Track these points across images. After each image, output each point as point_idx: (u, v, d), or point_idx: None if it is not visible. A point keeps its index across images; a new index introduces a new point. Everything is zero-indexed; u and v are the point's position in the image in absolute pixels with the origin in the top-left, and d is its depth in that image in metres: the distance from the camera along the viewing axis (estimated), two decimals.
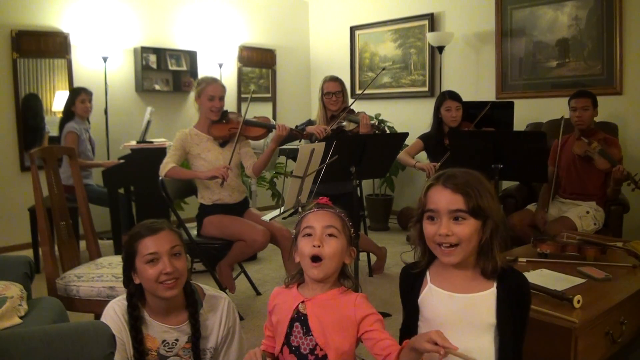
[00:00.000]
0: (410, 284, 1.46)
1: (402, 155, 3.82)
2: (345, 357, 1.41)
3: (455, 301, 1.36)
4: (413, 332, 1.45)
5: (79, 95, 4.20)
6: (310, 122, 3.88)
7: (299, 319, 1.43)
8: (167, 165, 3.01)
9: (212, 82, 3.17)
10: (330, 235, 1.42)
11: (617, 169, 3.13)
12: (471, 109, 3.90)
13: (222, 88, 3.19)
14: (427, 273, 1.44)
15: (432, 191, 1.34)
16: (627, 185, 3.15)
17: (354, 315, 1.40)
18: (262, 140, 3.78)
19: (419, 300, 1.43)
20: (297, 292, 1.47)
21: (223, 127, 3.18)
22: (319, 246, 1.39)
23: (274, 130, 3.25)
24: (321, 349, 1.39)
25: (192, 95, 3.23)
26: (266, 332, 1.56)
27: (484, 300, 1.34)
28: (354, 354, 1.43)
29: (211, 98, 3.12)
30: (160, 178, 3.07)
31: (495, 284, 1.34)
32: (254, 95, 6.15)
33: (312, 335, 1.40)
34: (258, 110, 5.40)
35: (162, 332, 1.64)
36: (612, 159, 3.20)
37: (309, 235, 1.42)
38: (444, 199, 1.31)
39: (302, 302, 1.44)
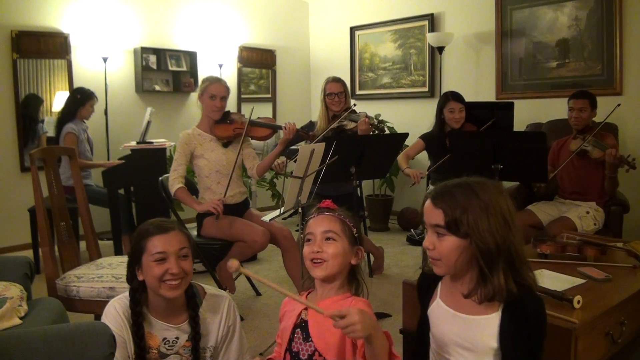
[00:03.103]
0: (425, 289, 1.46)
1: (400, 157, 3.82)
2: None
3: (457, 321, 1.34)
4: (426, 343, 1.43)
5: (90, 100, 4.25)
6: (312, 124, 3.88)
7: (300, 325, 1.45)
8: (174, 185, 3.02)
9: (216, 81, 3.17)
10: (330, 239, 1.44)
11: (609, 152, 3.14)
12: (474, 109, 3.90)
13: (225, 88, 3.19)
14: (439, 285, 1.42)
15: (425, 204, 1.33)
16: (623, 169, 3.14)
17: None
18: (262, 142, 3.78)
19: (429, 312, 1.43)
20: (304, 300, 1.48)
21: (227, 127, 3.18)
22: (318, 251, 1.43)
23: (279, 131, 3.25)
24: (320, 355, 1.40)
25: (196, 95, 3.23)
26: (277, 339, 1.57)
27: (486, 324, 1.29)
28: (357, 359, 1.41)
29: (212, 97, 3.12)
30: (160, 178, 3.07)
31: (501, 308, 1.27)
32: (253, 96, 6.19)
33: (311, 340, 1.41)
34: (258, 111, 5.40)
35: (162, 330, 1.65)
36: (606, 147, 3.21)
37: (310, 240, 1.46)
38: (428, 212, 1.30)
39: (305, 308, 1.45)
